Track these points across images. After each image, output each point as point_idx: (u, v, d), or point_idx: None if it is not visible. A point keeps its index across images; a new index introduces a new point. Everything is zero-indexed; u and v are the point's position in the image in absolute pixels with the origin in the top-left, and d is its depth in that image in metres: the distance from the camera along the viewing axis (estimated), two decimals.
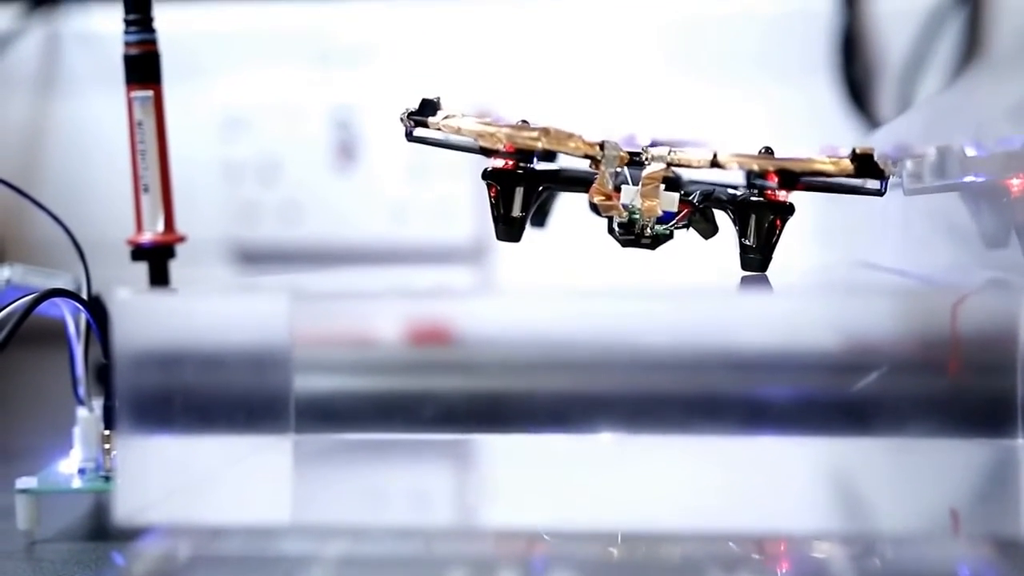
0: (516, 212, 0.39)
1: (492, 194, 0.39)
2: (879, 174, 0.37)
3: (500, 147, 0.38)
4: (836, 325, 0.38)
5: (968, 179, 0.39)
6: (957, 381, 0.37)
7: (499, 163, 0.39)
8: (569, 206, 0.45)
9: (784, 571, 0.32)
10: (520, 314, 0.40)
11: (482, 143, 0.39)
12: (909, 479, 0.37)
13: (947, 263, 0.42)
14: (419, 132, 0.40)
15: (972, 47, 0.75)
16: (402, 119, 0.40)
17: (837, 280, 0.47)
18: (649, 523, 0.34)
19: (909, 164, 0.42)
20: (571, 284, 0.44)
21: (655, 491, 0.36)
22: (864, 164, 0.37)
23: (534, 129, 0.38)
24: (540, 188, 0.39)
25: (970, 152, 0.38)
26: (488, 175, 0.39)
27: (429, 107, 0.40)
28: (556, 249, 0.49)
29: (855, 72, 0.79)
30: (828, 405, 0.38)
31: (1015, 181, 0.36)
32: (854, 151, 0.38)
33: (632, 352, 0.39)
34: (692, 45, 0.79)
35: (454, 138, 0.40)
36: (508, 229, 0.39)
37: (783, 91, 0.78)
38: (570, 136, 0.38)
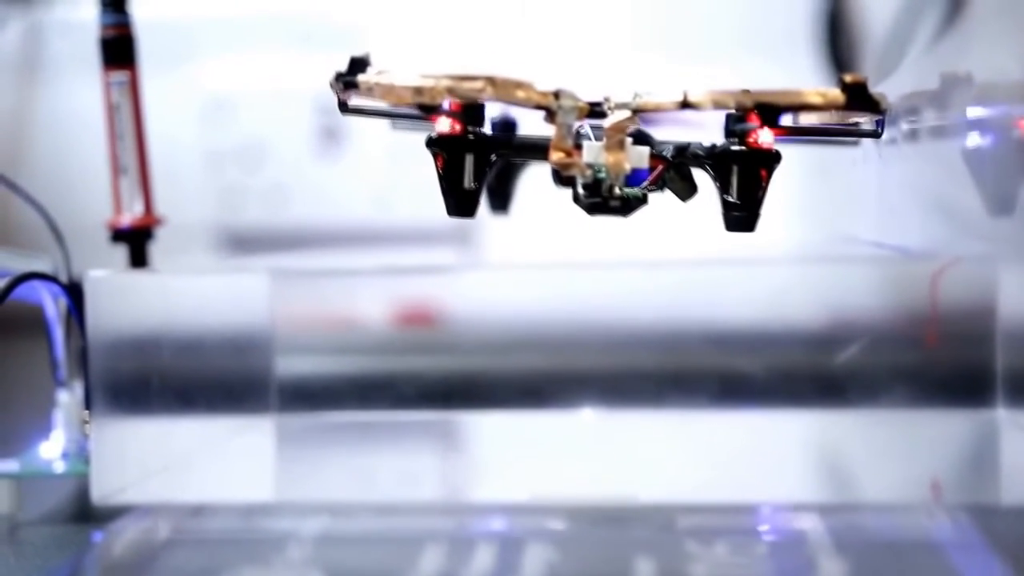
0: (467, 184, 0.34)
1: (439, 164, 0.34)
2: (874, 107, 0.32)
3: (441, 102, 0.34)
4: (816, 298, 0.38)
5: (974, 113, 0.35)
6: (936, 352, 0.37)
7: (445, 128, 0.34)
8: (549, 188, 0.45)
9: (766, 542, 0.32)
10: (501, 293, 0.40)
11: (421, 100, 0.33)
12: (889, 450, 0.37)
13: (928, 236, 0.42)
14: (355, 102, 0.35)
15: (953, 12, 0.74)
16: (331, 85, 0.35)
17: (818, 254, 0.47)
18: (631, 498, 0.34)
19: (904, 106, 0.39)
20: (551, 259, 0.44)
21: (637, 466, 0.36)
22: (856, 94, 0.32)
23: (477, 78, 0.33)
24: (493, 156, 0.34)
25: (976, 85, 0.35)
26: (433, 142, 0.34)
27: (359, 65, 0.35)
28: (542, 232, 0.49)
29: (839, 48, 0.78)
30: (809, 378, 0.38)
31: None
32: (843, 81, 0.32)
33: (613, 329, 0.39)
34: (673, 20, 0.79)
35: (396, 106, 0.35)
36: (459, 203, 0.34)
37: (766, 67, 0.77)
38: (519, 84, 0.33)
